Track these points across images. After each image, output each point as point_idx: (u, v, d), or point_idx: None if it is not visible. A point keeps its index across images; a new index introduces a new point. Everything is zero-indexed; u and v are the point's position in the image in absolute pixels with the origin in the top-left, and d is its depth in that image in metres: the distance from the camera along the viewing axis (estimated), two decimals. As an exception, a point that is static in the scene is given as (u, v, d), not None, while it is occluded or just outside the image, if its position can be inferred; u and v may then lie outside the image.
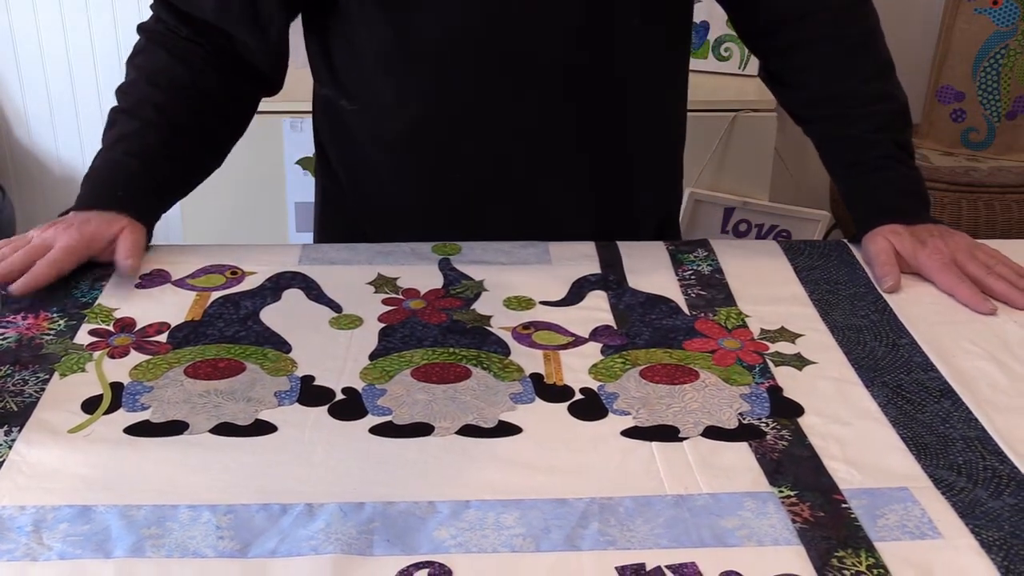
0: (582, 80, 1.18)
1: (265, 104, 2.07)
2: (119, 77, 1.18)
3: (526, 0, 1.13)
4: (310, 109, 2.13)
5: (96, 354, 0.95)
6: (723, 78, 2.28)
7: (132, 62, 1.19)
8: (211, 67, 1.17)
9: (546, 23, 1.14)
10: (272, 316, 1.03)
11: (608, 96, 1.20)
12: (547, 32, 1.15)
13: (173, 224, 2.63)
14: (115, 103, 1.17)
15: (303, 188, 2.09)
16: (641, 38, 1.19)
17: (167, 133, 1.15)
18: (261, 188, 2.12)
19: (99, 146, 1.15)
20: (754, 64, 2.28)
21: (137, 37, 1.20)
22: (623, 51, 1.18)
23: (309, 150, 2.04)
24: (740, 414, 0.88)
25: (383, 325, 1.01)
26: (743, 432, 0.85)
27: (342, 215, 1.34)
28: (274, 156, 2.10)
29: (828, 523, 0.74)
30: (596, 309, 1.05)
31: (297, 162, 2.10)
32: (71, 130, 2.50)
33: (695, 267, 1.13)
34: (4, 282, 1.04)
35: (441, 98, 1.19)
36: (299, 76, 2.22)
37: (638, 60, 1.20)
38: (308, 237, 1.30)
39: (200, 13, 1.16)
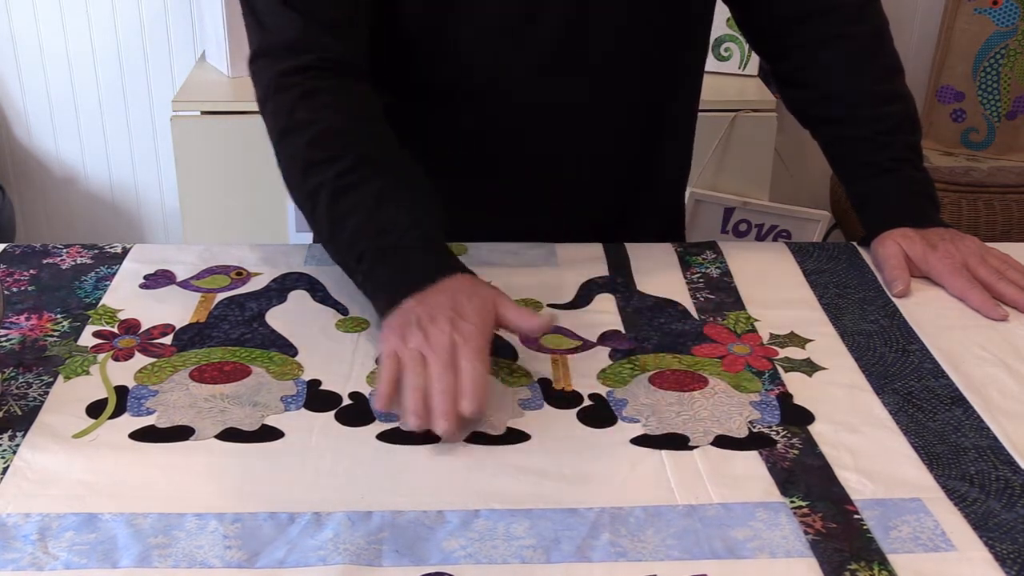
0: (611, 77, 1.16)
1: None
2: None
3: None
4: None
5: (100, 356, 0.94)
6: (723, 78, 2.27)
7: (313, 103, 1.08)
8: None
9: (587, 21, 1.12)
10: (278, 318, 1.02)
11: (629, 94, 1.19)
12: (587, 32, 1.13)
13: (173, 224, 2.62)
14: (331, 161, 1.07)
15: (303, 187, 2.08)
16: (666, 36, 1.17)
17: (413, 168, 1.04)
18: (261, 188, 2.11)
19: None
20: (754, 64, 2.27)
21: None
22: (651, 49, 1.17)
23: (309, 149, 2.02)
24: (750, 422, 0.87)
25: (389, 329, 1.00)
26: (753, 441, 0.84)
27: None
28: (274, 156, 2.09)
29: (841, 534, 0.73)
30: (604, 312, 1.04)
31: (297, 161, 2.09)
32: (71, 130, 2.49)
33: (703, 269, 1.13)
34: (448, 433, 0.82)
35: (470, 90, 1.16)
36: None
37: (663, 59, 1.19)
38: (308, 237, 1.28)
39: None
